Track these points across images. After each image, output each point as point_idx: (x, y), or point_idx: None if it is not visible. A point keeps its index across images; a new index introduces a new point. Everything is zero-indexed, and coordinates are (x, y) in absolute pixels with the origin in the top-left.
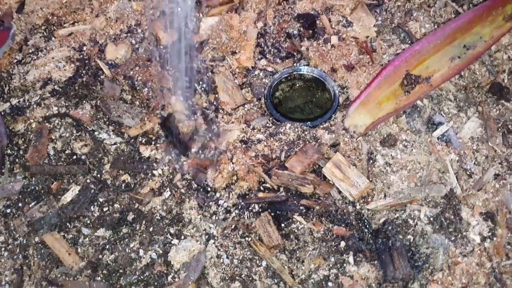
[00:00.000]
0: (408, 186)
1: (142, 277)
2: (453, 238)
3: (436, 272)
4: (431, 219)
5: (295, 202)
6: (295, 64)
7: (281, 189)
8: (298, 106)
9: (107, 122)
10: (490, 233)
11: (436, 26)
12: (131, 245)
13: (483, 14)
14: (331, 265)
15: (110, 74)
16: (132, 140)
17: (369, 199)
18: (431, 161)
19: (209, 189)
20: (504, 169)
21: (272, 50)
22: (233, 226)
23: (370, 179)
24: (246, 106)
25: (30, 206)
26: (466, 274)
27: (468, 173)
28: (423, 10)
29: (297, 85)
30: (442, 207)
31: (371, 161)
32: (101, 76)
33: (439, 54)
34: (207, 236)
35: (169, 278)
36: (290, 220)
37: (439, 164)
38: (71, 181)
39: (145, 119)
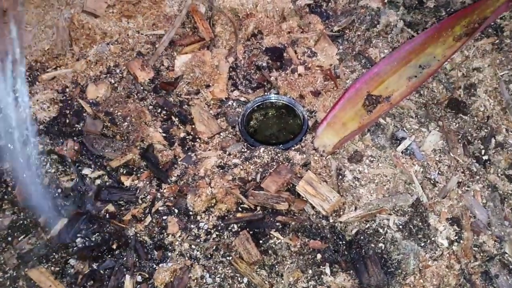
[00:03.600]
0: (376, 197)
1: None
2: (422, 244)
3: (408, 277)
4: (400, 227)
5: (271, 219)
6: (265, 93)
7: (258, 208)
8: (273, 134)
9: (90, 157)
10: (457, 237)
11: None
12: (117, 272)
13: (434, 36)
14: (309, 277)
15: (92, 111)
16: (114, 172)
17: (341, 212)
18: (396, 173)
19: (190, 213)
20: (467, 177)
21: (244, 81)
22: (214, 247)
23: (341, 194)
24: (221, 134)
25: (19, 239)
26: (436, 276)
27: (432, 182)
28: (381, 37)
29: (270, 113)
30: (410, 215)
31: (341, 177)
32: (84, 114)
33: (397, 75)
34: (189, 258)
35: None
36: (268, 236)
37: (405, 176)
38: (57, 214)
39: (126, 151)
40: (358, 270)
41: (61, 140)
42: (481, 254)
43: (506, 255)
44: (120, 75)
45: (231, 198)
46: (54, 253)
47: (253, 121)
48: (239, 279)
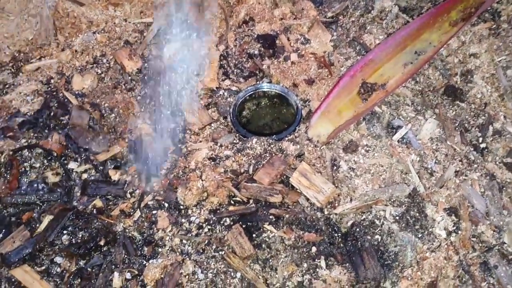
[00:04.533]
0: (372, 188)
1: None
2: (419, 235)
3: (405, 269)
4: (397, 218)
5: (265, 212)
6: (258, 82)
7: (251, 201)
8: (266, 124)
9: (76, 150)
10: (455, 227)
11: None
12: (105, 269)
13: (430, 21)
14: (304, 271)
15: (78, 103)
16: (101, 165)
17: (336, 204)
18: (393, 163)
19: (180, 207)
20: (464, 165)
21: (235, 70)
22: (206, 242)
23: (336, 185)
24: (213, 125)
25: (2, 237)
26: (434, 268)
27: (429, 171)
28: (376, 23)
29: (263, 103)
30: (407, 206)
31: (335, 168)
32: (69, 106)
33: (392, 62)
34: (180, 253)
35: None
36: (261, 230)
37: (401, 166)
38: (42, 211)
39: (113, 143)
40: (354, 263)
41: (46, 133)
42: (480, 245)
43: (505, 245)
44: (107, 65)
45: (223, 191)
46: (39, 252)
47: (245, 111)
48: (232, 274)
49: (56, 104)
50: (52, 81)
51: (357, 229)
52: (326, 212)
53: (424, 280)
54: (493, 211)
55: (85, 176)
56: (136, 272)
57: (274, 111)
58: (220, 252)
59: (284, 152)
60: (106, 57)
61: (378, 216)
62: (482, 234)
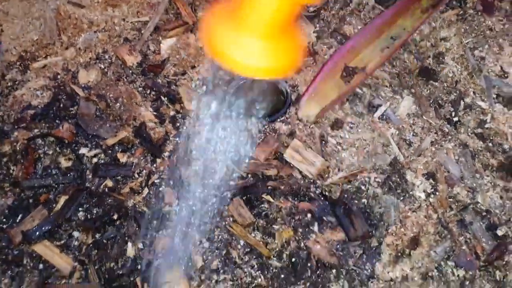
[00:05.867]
0: (357, 159)
1: (132, 268)
2: (401, 198)
3: (390, 227)
4: (380, 183)
5: (262, 185)
6: None
7: (249, 175)
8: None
9: (86, 137)
10: (433, 190)
11: None
12: (119, 240)
13: (403, 9)
14: (299, 236)
15: (85, 95)
16: (110, 150)
17: (326, 175)
18: (375, 137)
19: (185, 183)
20: (439, 137)
21: None
22: (209, 213)
23: (325, 158)
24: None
25: (22, 217)
26: (416, 225)
27: (408, 143)
28: (354, 15)
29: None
30: (389, 173)
31: (324, 143)
32: (77, 98)
33: (371, 47)
34: (186, 225)
35: (156, 263)
36: (260, 201)
37: (382, 139)
38: (58, 192)
39: (119, 129)
40: (344, 226)
41: (57, 123)
42: (456, 204)
43: (479, 204)
44: (109, 60)
45: (224, 167)
46: (57, 228)
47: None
48: (235, 241)
49: (64, 97)
50: (59, 76)
51: (346, 196)
52: (318, 183)
53: (407, 236)
54: (467, 175)
55: (95, 160)
56: (148, 242)
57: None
58: (223, 223)
59: (277, 132)
60: (108, 53)
61: (363, 183)
62: (458, 195)
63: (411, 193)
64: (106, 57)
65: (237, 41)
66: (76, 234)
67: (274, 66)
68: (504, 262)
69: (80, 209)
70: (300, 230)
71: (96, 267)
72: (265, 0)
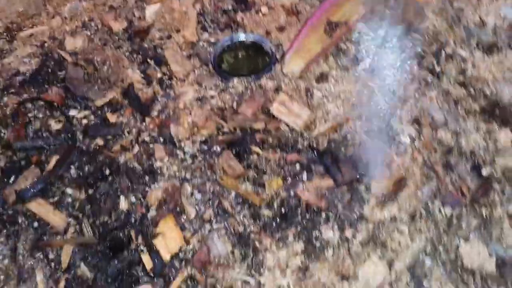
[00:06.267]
0: (343, 110)
1: (126, 221)
2: (387, 143)
3: (377, 171)
4: (366, 131)
5: (250, 138)
6: (233, 32)
7: (237, 130)
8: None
9: (75, 99)
10: (417, 134)
11: None
12: (112, 195)
13: None
14: (289, 186)
15: (72, 60)
16: (99, 110)
17: (313, 127)
18: (360, 88)
19: (174, 140)
20: (423, 86)
21: (212, 25)
22: (201, 168)
23: (311, 111)
24: (196, 71)
25: (15, 178)
26: (402, 168)
27: (391, 92)
28: None
29: (240, 54)
30: (375, 121)
31: (310, 96)
32: (64, 64)
33: (352, 1)
34: (178, 179)
35: (149, 215)
36: (249, 153)
37: (367, 89)
38: (50, 153)
39: (108, 91)
40: (332, 173)
41: (46, 88)
42: (441, 147)
43: (463, 146)
44: (95, 27)
45: (212, 123)
46: (50, 186)
47: (224, 64)
48: (226, 193)
49: (52, 63)
50: (46, 44)
51: (333, 145)
52: (305, 135)
53: (394, 176)
54: (451, 120)
55: (85, 121)
56: (140, 196)
57: (251, 62)
58: (214, 176)
59: (263, 88)
60: (94, 21)
61: (349, 132)
62: (442, 138)
63: (396, 138)
64: (92, 24)
65: None
66: (69, 191)
67: None
68: (489, 200)
69: (72, 167)
70: (289, 179)
71: (90, 221)
72: None
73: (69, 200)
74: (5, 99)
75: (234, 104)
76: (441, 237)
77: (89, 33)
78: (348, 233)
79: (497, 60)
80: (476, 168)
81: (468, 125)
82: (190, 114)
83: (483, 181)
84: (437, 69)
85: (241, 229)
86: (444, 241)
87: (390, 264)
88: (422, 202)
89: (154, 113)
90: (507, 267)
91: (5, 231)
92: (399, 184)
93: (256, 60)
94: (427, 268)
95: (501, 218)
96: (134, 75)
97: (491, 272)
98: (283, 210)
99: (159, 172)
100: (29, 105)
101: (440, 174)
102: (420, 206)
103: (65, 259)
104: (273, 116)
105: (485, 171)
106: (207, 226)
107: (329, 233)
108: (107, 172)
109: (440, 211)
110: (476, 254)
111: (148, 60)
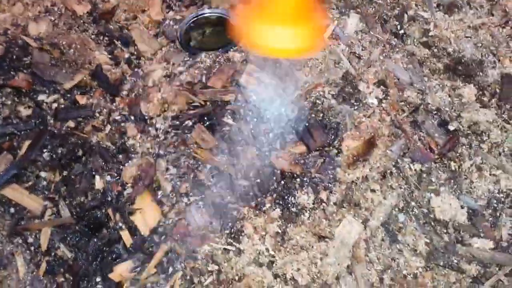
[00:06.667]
0: (312, 77)
1: (102, 200)
2: (355, 106)
3: (346, 133)
4: (335, 95)
5: (221, 110)
6: (199, 9)
7: (208, 103)
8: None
9: (43, 84)
10: (384, 95)
11: None
12: (86, 175)
13: None
14: (264, 153)
15: (37, 45)
16: (68, 93)
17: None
18: (326, 55)
19: (145, 117)
20: (387, 49)
21: (177, 2)
22: (174, 143)
23: (281, 80)
24: (163, 49)
25: None
26: (371, 128)
27: (357, 56)
28: None
29: (207, 31)
30: (342, 85)
31: (279, 65)
32: (29, 49)
33: None
34: (152, 155)
35: (125, 193)
36: (221, 125)
37: (333, 56)
38: (21, 138)
39: (76, 74)
40: (304, 139)
41: (12, 74)
42: (408, 106)
43: (429, 104)
44: (59, 12)
45: (182, 98)
46: (24, 170)
47: (192, 42)
48: (202, 166)
49: (16, 49)
50: (8, 32)
51: (303, 112)
52: None
53: (363, 137)
54: (416, 80)
55: (55, 105)
56: (115, 174)
57: (218, 39)
58: (188, 150)
59: (231, 60)
60: (57, 5)
61: (318, 97)
62: (409, 98)
63: (364, 101)
64: (55, 9)
65: (268, 30)
66: (43, 174)
67: (304, 46)
68: (457, 154)
69: (44, 150)
70: (264, 148)
71: (66, 202)
72: None
73: (44, 183)
74: None
75: (203, 78)
76: (413, 193)
77: (52, 18)
78: (323, 195)
79: (457, 19)
80: (443, 124)
81: (433, 84)
82: (160, 91)
83: (450, 136)
84: (401, 32)
85: (218, 200)
86: (416, 196)
87: (365, 222)
88: (392, 160)
89: (124, 93)
90: (478, 217)
91: None
92: (369, 144)
93: (223, 34)
94: (400, 223)
95: (469, 170)
96: (101, 56)
97: (463, 222)
98: (258, 179)
99: (132, 150)
100: None
101: (408, 132)
102: (390, 165)
103: (44, 242)
104: (243, 87)
105: (452, 127)
106: (184, 199)
107: (304, 197)
108: (80, 153)
109: (410, 167)
110: (447, 206)
111: (115, 41)
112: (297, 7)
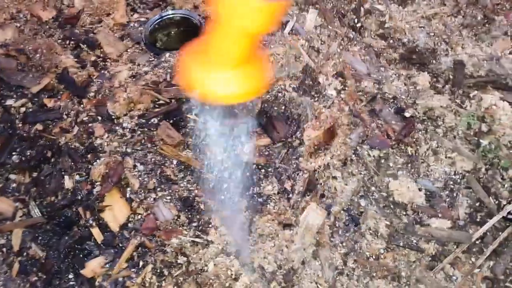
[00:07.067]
0: (273, 72)
1: (72, 199)
2: (316, 98)
3: (308, 124)
4: (295, 88)
5: (186, 106)
6: (163, 10)
7: (173, 101)
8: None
9: (11, 89)
10: (342, 86)
11: None
12: (56, 176)
13: None
14: (229, 148)
15: (3, 51)
16: (36, 97)
17: None
18: (287, 50)
19: (112, 117)
20: (345, 42)
21: (141, 5)
22: (141, 141)
23: None
24: (129, 51)
25: None
26: (330, 118)
27: (316, 50)
28: None
29: (172, 32)
30: (302, 78)
31: None
32: None
33: None
34: (120, 154)
35: (95, 191)
36: (186, 121)
37: (294, 51)
38: None
39: (43, 78)
40: (268, 131)
41: None
42: (365, 96)
43: (386, 93)
44: (25, 19)
45: (147, 97)
46: None
47: (158, 43)
48: (168, 161)
49: None
50: None
51: (266, 105)
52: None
53: (323, 127)
54: (373, 70)
55: (23, 109)
56: (84, 174)
57: (184, 39)
58: (155, 148)
59: None
60: (22, 12)
61: (280, 91)
62: (366, 88)
63: (323, 93)
64: (21, 15)
65: (212, 76)
66: (12, 176)
67: (249, 89)
68: (414, 139)
69: (13, 153)
70: (230, 142)
71: (36, 203)
72: (226, 39)
73: (14, 185)
74: None
75: (168, 77)
76: (372, 178)
77: (18, 25)
78: (287, 185)
79: (411, 10)
80: (400, 111)
81: (390, 73)
82: (126, 91)
83: (406, 122)
84: (358, 25)
85: (185, 194)
86: (375, 181)
87: (328, 208)
88: (352, 148)
89: (91, 94)
90: (436, 198)
91: None
92: (330, 134)
93: (188, 34)
94: (362, 207)
95: (426, 154)
96: (67, 60)
97: (421, 204)
98: (225, 172)
99: (100, 149)
100: None
101: (367, 120)
102: (350, 152)
103: (16, 243)
104: None
105: (408, 113)
106: (152, 194)
107: (269, 187)
108: (49, 154)
109: (369, 154)
110: (405, 189)
111: (81, 45)
112: (240, 50)
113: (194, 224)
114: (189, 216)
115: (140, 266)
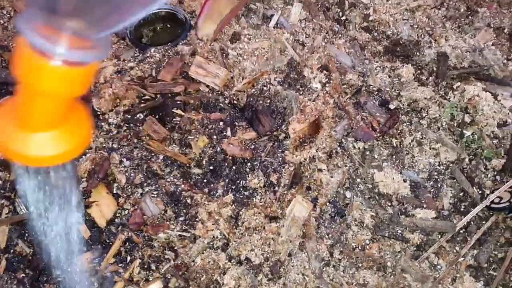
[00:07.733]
0: (258, 66)
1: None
2: (301, 92)
3: (293, 117)
4: (281, 82)
5: (172, 101)
6: None
7: (158, 96)
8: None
9: None
10: (327, 79)
11: None
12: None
13: None
14: (214, 142)
15: None
16: None
17: (232, 85)
18: (272, 44)
19: (98, 113)
20: (330, 35)
21: None
22: (127, 137)
23: (228, 69)
24: (114, 46)
25: None
26: (315, 111)
27: (301, 43)
28: None
29: (158, 28)
30: (287, 72)
31: (225, 56)
32: None
33: None
34: (106, 150)
35: (81, 187)
36: (172, 116)
37: (279, 44)
38: None
39: None
40: (253, 125)
41: None
42: (350, 89)
43: (371, 86)
44: (8, 15)
45: (133, 93)
46: None
47: (144, 39)
48: (154, 157)
49: None
50: None
51: (251, 99)
52: (225, 94)
53: (308, 120)
54: (358, 63)
55: None
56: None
57: (170, 35)
58: (141, 143)
59: (180, 53)
60: (5, 9)
61: (265, 84)
62: (351, 80)
63: (308, 86)
64: (4, 12)
65: (24, 137)
66: None
67: (68, 151)
68: (398, 131)
69: None
70: (214, 137)
71: (22, 199)
72: (37, 101)
73: (0, 182)
74: None
75: (153, 72)
76: (357, 170)
77: (2, 21)
78: (273, 178)
79: (395, 2)
80: (384, 104)
81: (374, 66)
82: (111, 86)
83: (391, 114)
84: (343, 18)
85: (172, 188)
86: (360, 172)
87: (314, 201)
88: (337, 140)
89: None
90: (421, 189)
91: None
92: (315, 126)
93: (173, 30)
94: (347, 199)
95: (410, 145)
96: None
97: (406, 195)
98: (211, 166)
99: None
100: None
101: (351, 113)
102: (335, 144)
103: (2, 240)
104: (193, 79)
105: (392, 105)
106: (139, 190)
107: (255, 180)
108: None
109: (354, 146)
110: (390, 180)
111: None
112: (44, 113)
113: (181, 219)
114: (176, 210)
115: (127, 261)
